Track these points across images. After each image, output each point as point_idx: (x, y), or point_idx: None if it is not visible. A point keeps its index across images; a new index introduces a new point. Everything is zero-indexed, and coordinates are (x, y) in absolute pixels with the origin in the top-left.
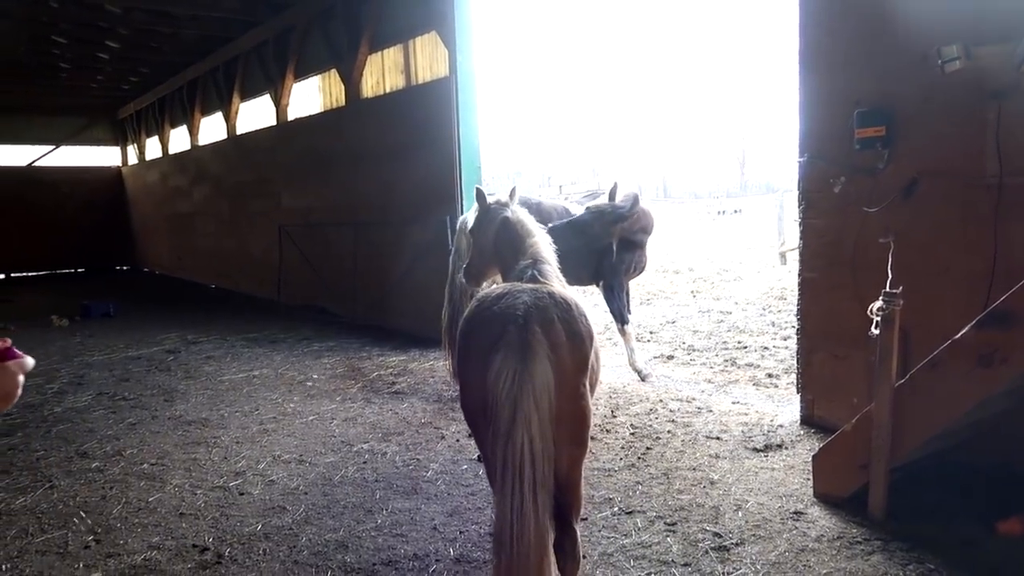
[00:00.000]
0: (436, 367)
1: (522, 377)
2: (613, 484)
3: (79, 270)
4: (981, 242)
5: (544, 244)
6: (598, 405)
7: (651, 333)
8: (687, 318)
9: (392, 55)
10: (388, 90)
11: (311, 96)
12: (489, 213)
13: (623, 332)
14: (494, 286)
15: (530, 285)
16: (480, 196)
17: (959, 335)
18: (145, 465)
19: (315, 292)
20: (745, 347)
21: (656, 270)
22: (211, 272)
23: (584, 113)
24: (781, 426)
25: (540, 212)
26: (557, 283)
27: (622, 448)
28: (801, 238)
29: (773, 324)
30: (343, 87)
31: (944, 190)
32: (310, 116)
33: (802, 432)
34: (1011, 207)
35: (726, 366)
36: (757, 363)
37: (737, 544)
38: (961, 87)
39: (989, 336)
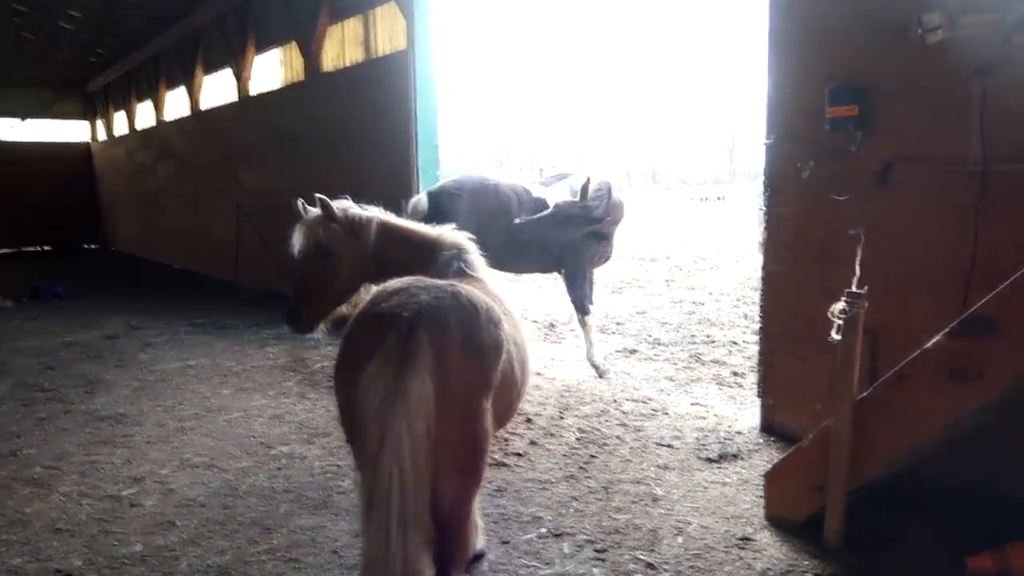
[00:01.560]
0: None
1: (395, 393)
2: (547, 499)
3: (45, 248)
4: (961, 237)
5: (461, 234)
6: (546, 405)
7: (618, 324)
8: (657, 308)
9: (352, 26)
10: (348, 64)
11: (273, 70)
12: (353, 221)
13: (583, 324)
14: (396, 280)
15: (437, 281)
16: (325, 207)
17: (929, 344)
18: (38, 468)
19: (273, 275)
20: (713, 341)
21: (632, 258)
22: (176, 253)
23: (575, 98)
24: (739, 433)
25: (498, 195)
26: (485, 276)
27: (564, 456)
28: (766, 227)
29: (745, 317)
30: (302, 61)
31: (921, 177)
32: (270, 91)
33: (761, 441)
34: (994, 198)
35: (690, 362)
36: (723, 359)
37: None
38: (943, 61)
39: (963, 346)
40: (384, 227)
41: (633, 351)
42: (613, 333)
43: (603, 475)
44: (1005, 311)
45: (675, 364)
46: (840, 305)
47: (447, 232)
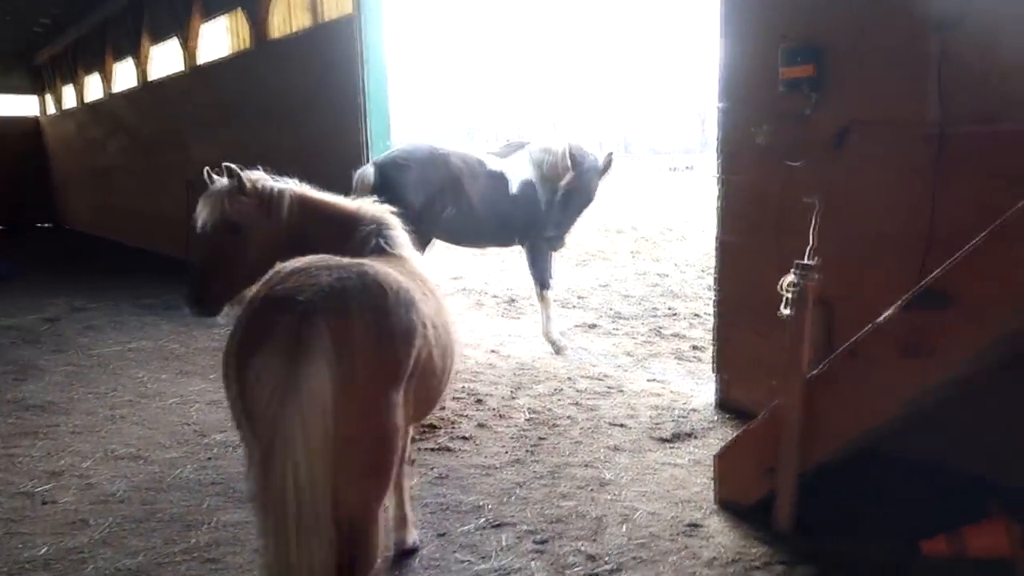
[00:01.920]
0: None
1: (286, 388)
2: (490, 486)
3: None
4: (919, 203)
5: (383, 207)
6: (499, 385)
7: (580, 298)
8: (621, 281)
9: None
10: (295, 30)
11: (221, 38)
12: (264, 193)
13: (543, 298)
14: (298, 259)
15: (344, 260)
16: (234, 177)
17: (882, 318)
18: None
19: None
20: (675, 314)
21: (598, 229)
22: (128, 231)
23: (547, 68)
24: (695, 410)
25: (448, 166)
26: (409, 254)
27: (513, 438)
28: (720, 196)
29: (709, 288)
30: (249, 28)
31: (879, 141)
32: (218, 61)
33: (716, 418)
34: (952, 162)
35: (650, 336)
36: (684, 333)
37: (612, 571)
38: (902, 18)
39: (917, 320)
40: (299, 200)
41: (593, 326)
42: (574, 307)
43: (551, 458)
44: (959, 284)
45: (635, 339)
46: (790, 278)
47: (367, 205)
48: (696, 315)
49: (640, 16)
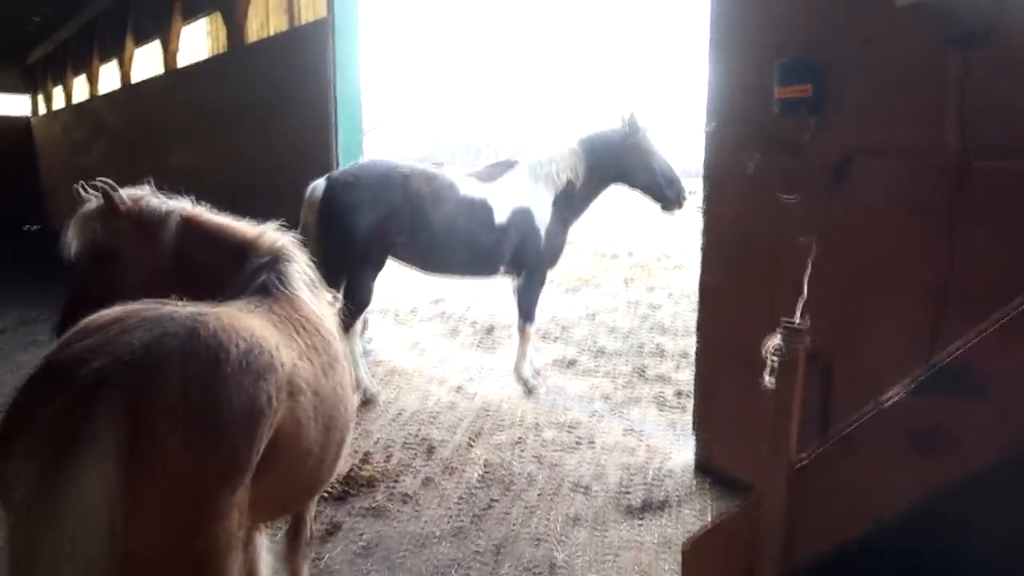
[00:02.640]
0: None
1: (44, 498)
2: (422, 564)
3: None
4: (933, 248)
5: (287, 236)
6: (456, 431)
7: (563, 330)
8: (610, 311)
9: None
10: (271, 34)
11: (200, 41)
12: (144, 214)
13: (523, 332)
14: (116, 308)
15: (177, 310)
16: (107, 196)
17: (887, 400)
18: None
19: None
20: (662, 352)
21: (593, 253)
22: None
23: (552, 84)
24: (670, 474)
25: (406, 188)
26: (304, 296)
27: (460, 500)
28: (703, 231)
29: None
30: (226, 30)
31: (887, 174)
32: (195, 64)
33: (694, 484)
34: (975, 201)
35: (632, 378)
36: (669, 375)
37: None
38: (916, 29)
39: (933, 408)
40: (188, 223)
41: (572, 363)
42: (556, 340)
43: (499, 529)
44: (989, 363)
45: (615, 380)
46: (775, 340)
47: (270, 233)
48: (684, 354)
49: (648, 29)
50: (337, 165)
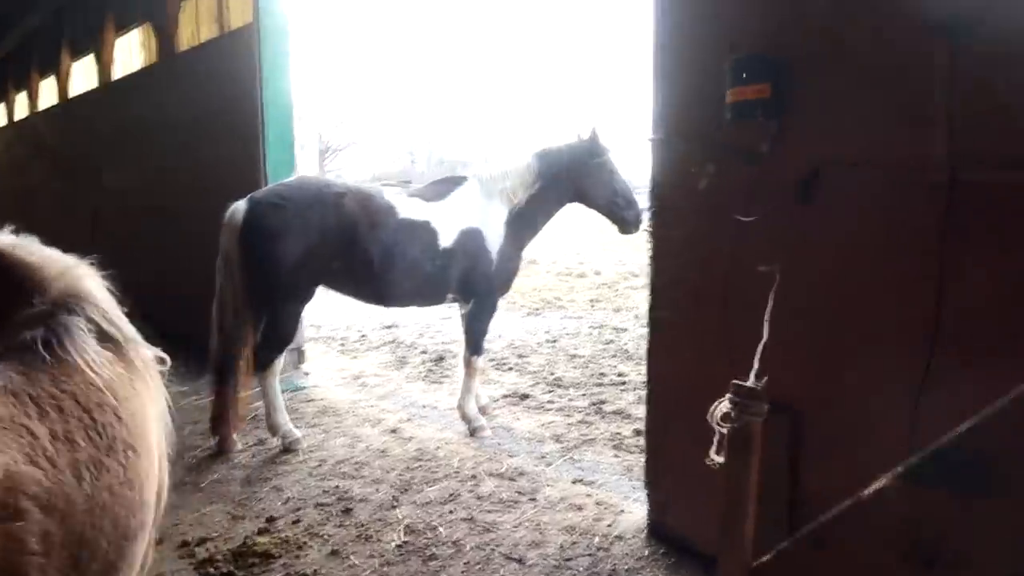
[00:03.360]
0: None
1: None
2: None
3: None
4: (920, 276)
5: (83, 277)
6: (382, 484)
7: (520, 358)
8: (572, 336)
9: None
10: (201, 42)
11: (135, 53)
12: None
13: (469, 365)
14: None
15: None
16: None
17: (867, 492)
18: None
19: (131, 290)
20: (623, 383)
21: (558, 273)
22: None
23: (522, 97)
24: (620, 538)
25: (339, 210)
26: (82, 360)
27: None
28: (651, 257)
29: None
30: (156, 41)
31: (861, 190)
32: (124, 77)
33: (646, 552)
34: (968, 220)
35: (589, 413)
36: (629, 410)
37: None
38: (894, 17)
39: (931, 504)
40: None
41: (525, 396)
42: (510, 369)
43: None
44: (1008, 449)
45: (569, 416)
46: (724, 406)
47: (66, 272)
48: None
49: (611, 35)
50: (266, 183)
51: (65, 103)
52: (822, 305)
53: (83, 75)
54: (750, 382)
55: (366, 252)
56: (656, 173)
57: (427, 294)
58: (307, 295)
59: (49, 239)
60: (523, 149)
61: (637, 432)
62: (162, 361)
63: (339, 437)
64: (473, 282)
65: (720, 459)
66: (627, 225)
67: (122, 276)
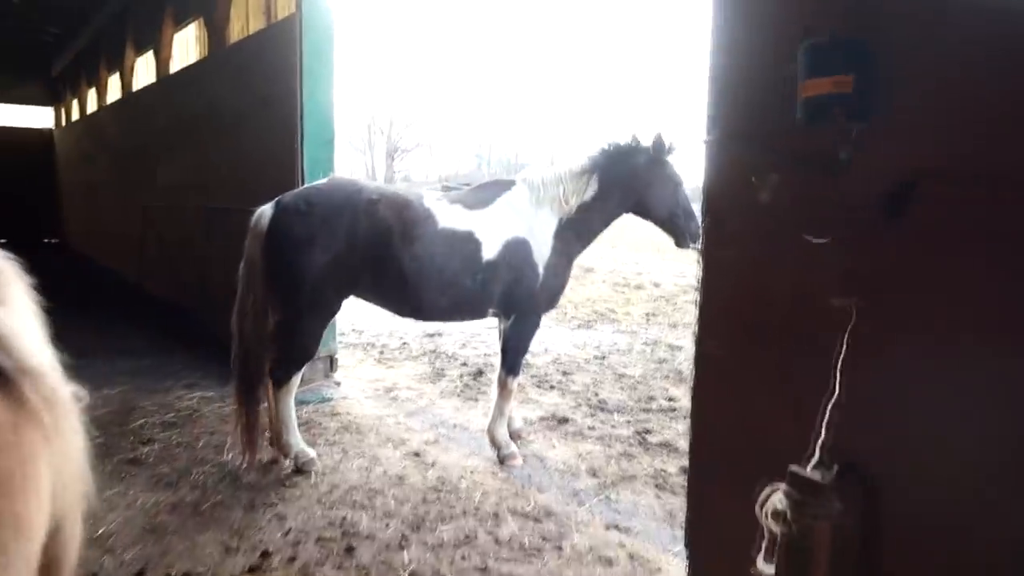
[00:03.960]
0: (221, 419)
1: None
2: None
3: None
4: None
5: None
6: (394, 518)
7: (564, 375)
8: (623, 353)
9: None
10: (247, 35)
11: (191, 48)
12: None
13: (504, 386)
14: None
15: None
16: None
17: None
18: None
19: (176, 288)
20: (673, 410)
21: (615, 283)
22: (112, 253)
23: (585, 98)
24: None
25: (371, 216)
26: (29, 380)
27: None
28: (701, 281)
29: None
30: (207, 35)
31: (967, 209)
32: (178, 72)
33: None
34: None
35: (632, 445)
36: (676, 443)
37: None
38: None
39: None
40: None
41: (564, 420)
42: (552, 388)
43: None
44: None
45: (610, 447)
46: (776, 499)
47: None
48: (693, 369)
49: (678, 40)
50: (303, 183)
51: (125, 98)
52: (910, 349)
53: (145, 71)
54: (813, 465)
55: (400, 265)
56: (710, 182)
57: (466, 310)
58: (332, 309)
59: (107, 235)
60: (578, 151)
61: (683, 470)
62: (78, 398)
63: (357, 459)
64: (516, 297)
65: (768, 570)
66: (685, 239)
67: (168, 275)
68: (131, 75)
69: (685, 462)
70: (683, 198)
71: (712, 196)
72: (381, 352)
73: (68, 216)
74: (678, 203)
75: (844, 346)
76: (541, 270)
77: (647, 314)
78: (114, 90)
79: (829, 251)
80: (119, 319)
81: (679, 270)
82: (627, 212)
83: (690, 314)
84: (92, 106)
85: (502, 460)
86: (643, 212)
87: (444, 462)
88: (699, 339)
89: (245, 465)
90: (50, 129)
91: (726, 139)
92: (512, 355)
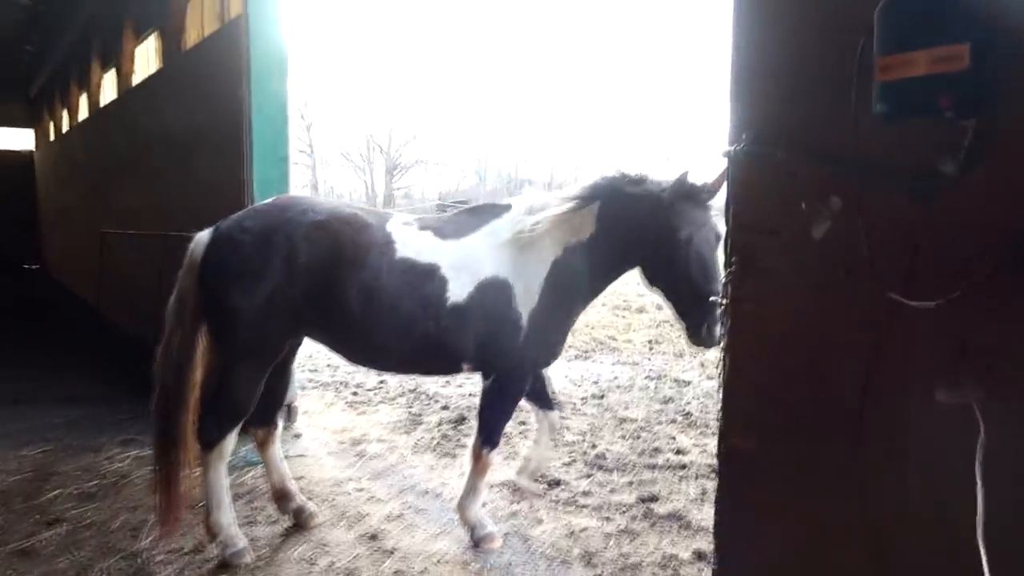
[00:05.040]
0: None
1: None
2: None
3: None
4: None
5: None
6: None
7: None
8: (624, 390)
9: None
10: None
11: (151, 60)
12: None
13: (478, 458)
14: None
15: None
16: None
17: None
18: None
19: (136, 321)
20: (683, 466)
21: (615, 307)
22: (82, 281)
23: (589, 114)
24: None
25: (320, 241)
26: None
27: None
28: (726, 347)
29: None
30: (161, 46)
31: None
32: (136, 86)
33: None
34: None
35: (636, 516)
36: (686, 513)
37: None
38: None
39: None
40: None
41: (555, 483)
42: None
43: None
44: None
45: (609, 519)
46: None
47: None
48: (713, 469)
49: (681, 57)
50: (251, 204)
51: (92, 117)
52: None
53: (110, 87)
54: None
55: (346, 298)
56: (737, 207)
57: (430, 362)
58: (273, 353)
59: (78, 261)
60: (585, 176)
61: (698, 555)
62: None
63: (300, 546)
64: (494, 352)
65: None
66: (700, 331)
67: (127, 305)
68: (99, 92)
69: (698, 543)
70: (709, 267)
71: (740, 228)
72: (354, 393)
73: (46, 241)
74: (708, 278)
75: (980, 461)
76: (525, 321)
77: (650, 341)
78: (84, 108)
79: (931, 317)
80: (74, 355)
81: None
82: (635, 267)
83: None
84: (65, 126)
85: (476, 543)
86: (653, 275)
87: (406, 547)
88: (723, 431)
89: (155, 550)
90: (30, 151)
91: (758, 147)
92: (488, 423)
